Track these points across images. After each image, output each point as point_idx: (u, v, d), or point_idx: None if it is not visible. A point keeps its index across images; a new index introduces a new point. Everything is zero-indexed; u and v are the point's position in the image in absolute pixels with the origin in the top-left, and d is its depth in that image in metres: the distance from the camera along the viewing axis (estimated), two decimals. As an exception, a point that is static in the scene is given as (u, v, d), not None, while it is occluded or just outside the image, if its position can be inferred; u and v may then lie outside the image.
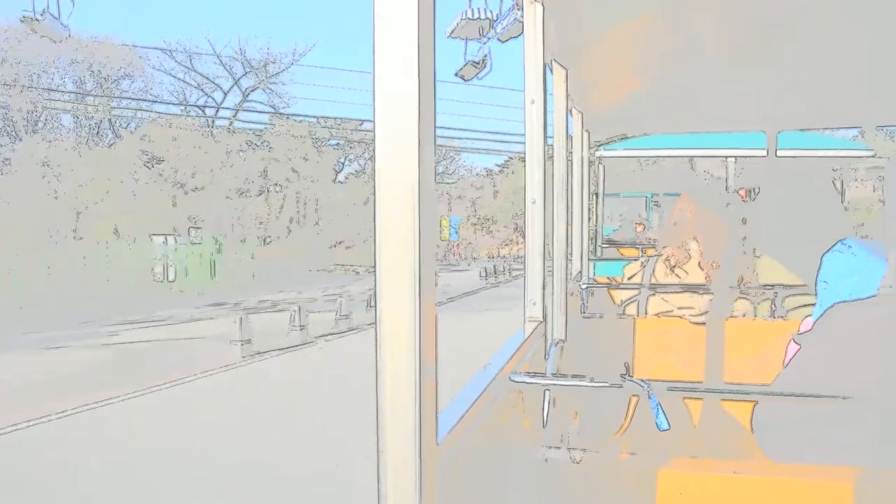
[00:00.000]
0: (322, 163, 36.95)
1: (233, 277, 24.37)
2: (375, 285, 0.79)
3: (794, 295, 2.97)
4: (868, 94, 3.02)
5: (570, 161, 2.83)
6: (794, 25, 2.21)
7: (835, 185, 7.09)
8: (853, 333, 1.57)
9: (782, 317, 2.97)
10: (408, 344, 0.78)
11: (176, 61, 36.58)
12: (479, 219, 44.76)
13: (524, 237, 1.86)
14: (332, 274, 30.24)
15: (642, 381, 1.37)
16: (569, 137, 2.49)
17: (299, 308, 12.43)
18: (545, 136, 1.85)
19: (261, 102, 38.77)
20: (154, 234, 25.05)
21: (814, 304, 2.83)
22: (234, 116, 37.16)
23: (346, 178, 41.45)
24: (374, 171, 0.78)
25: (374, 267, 0.79)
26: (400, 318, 0.78)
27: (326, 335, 12.84)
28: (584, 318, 3.25)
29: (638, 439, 2.63)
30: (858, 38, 2.26)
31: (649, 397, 1.34)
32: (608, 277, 4.46)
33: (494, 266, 28.06)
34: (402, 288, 0.78)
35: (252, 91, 37.69)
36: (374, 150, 0.79)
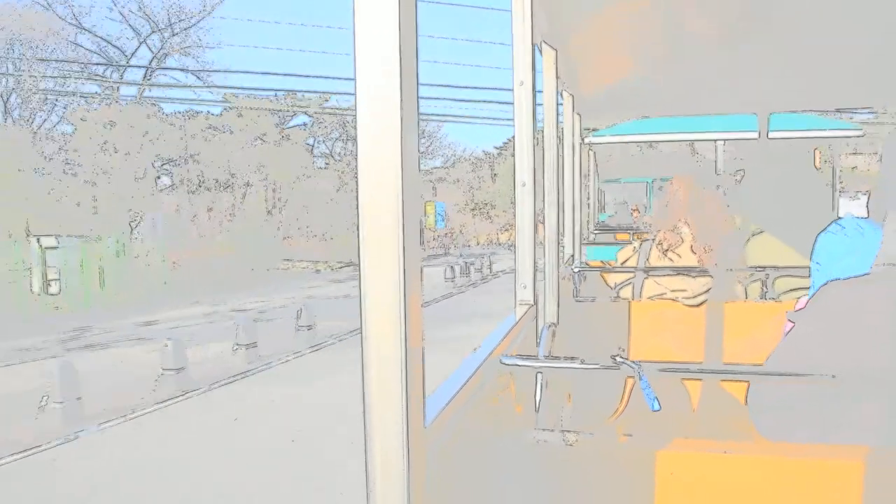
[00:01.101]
0: (287, 146, 31.93)
1: (139, 286, 18.95)
2: (360, 270, 0.79)
3: (785, 276, 2.98)
4: (861, 75, 3.01)
5: (560, 144, 2.82)
6: (786, 5, 2.19)
7: (824, 165, 7.09)
8: (847, 311, 1.57)
9: (774, 298, 2.98)
10: (394, 328, 0.77)
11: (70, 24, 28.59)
12: (476, 203, 42.66)
13: (514, 221, 1.85)
14: (288, 273, 25.06)
15: (634, 362, 1.37)
16: (559, 120, 2.47)
17: (59, 369, 6.87)
18: (534, 118, 1.84)
19: (176, 68, 31.51)
20: (31, 234, 19.47)
21: (805, 287, 2.84)
22: (146, 80, 30.48)
23: (322, 164, 36.36)
24: (357, 156, 0.78)
25: (357, 259, 0.78)
26: (385, 304, 0.77)
27: (126, 412, 7.05)
28: (576, 301, 3.25)
29: (632, 421, 2.65)
30: (853, 17, 2.25)
31: (640, 378, 1.34)
32: (601, 262, 4.46)
33: (466, 263, 21.80)
34: (386, 272, 0.77)
35: (163, 56, 30.51)
36: (356, 137, 0.78)
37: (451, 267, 20.62)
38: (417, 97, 0.81)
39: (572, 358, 1.53)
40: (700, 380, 2.79)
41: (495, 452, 1.38)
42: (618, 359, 1.38)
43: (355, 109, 0.77)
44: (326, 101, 34.23)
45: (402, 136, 0.76)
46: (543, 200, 2.22)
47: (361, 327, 0.79)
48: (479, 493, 1.30)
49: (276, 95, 32.81)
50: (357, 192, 0.78)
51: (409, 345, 0.78)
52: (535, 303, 1.87)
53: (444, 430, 1.01)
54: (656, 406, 1.34)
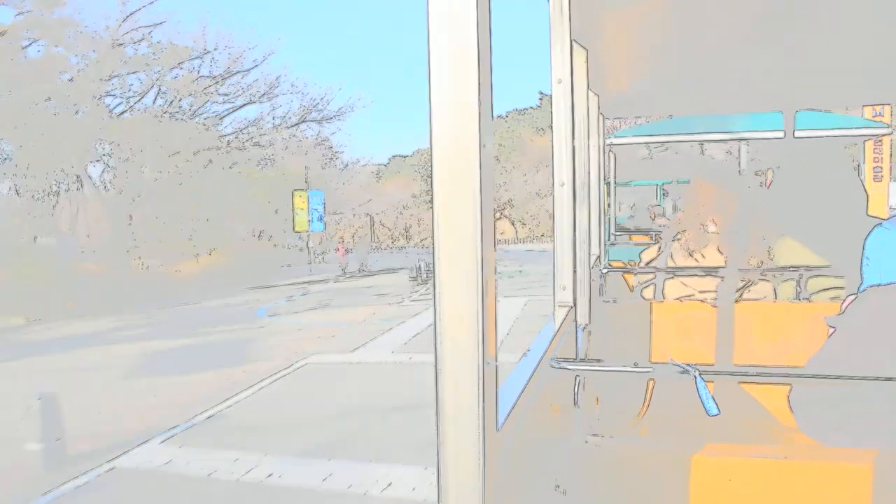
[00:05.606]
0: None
1: None
2: (435, 279, 0.79)
3: (819, 276, 2.95)
4: (891, 71, 2.97)
5: (588, 144, 2.81)
6: (813, 1, 2.17)
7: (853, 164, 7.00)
8: (886, 316, 1.56)
9: (807, 299, 2.94)
10: (470, 334, 0.77)
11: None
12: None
13: (553, 221, 1.85)
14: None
15: (689, 365, 1.36)
16: (588, 120, 2.47)
17: None
18: (573, 117, 1.83)
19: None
20: None
21: (837, 287, 2.81)
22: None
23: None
24: (433, 165, 0.78)
25: (433, 264, 0.78)
26: (462, 312, 0.78)
27: None
28: (603, 302, 3.24)
29: (657, 423, 2.64)
30: (880, 11, 2.22)
31: (696, 382, 1.33)
32: (624, 262, 4.44)
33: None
34: (463, 282, 0.77)
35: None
36: (431, 145, 0.78)
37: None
38: (492, 100, 0.81)
39: (616, 361, 1.53)
40: (726, 382, 2.76)
41: (548, 455, 1.38)
42: (671, 362, 1.37)
43: (430, 119, 0.77)
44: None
45: (479, 141, 0.76)
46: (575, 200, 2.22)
47: (435, 332, 0.79)
48: (534, 495, 1.30)
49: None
50: (432, 200, 0.78)
51: (485, 354, 0.78)
52: (574, 304, 1.87)
53: (511, 432, 1.02)
54: (715, 410, 1.34)
